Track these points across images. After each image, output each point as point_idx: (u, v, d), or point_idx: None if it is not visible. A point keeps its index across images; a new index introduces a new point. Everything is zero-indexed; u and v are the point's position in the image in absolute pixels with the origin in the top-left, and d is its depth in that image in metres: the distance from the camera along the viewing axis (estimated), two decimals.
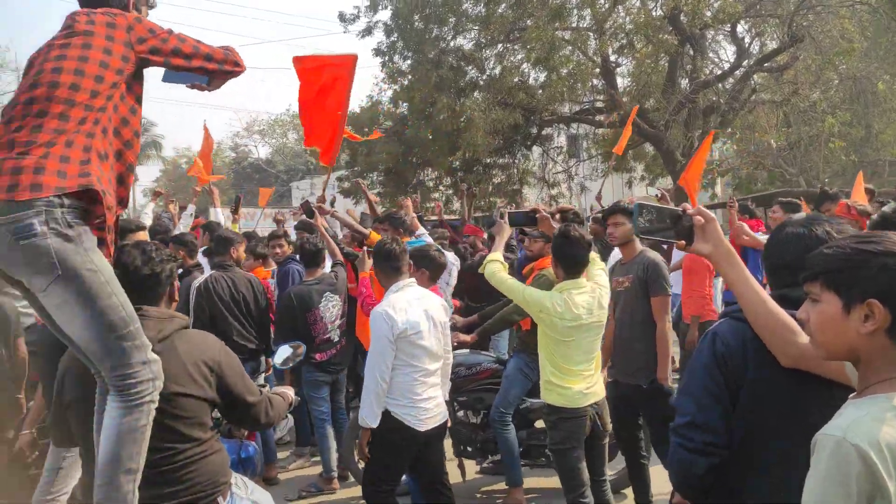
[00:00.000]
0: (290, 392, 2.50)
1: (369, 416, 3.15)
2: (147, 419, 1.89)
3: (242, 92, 60.98)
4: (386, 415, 3.17)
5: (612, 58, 14.42)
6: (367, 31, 15.41)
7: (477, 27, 14.33)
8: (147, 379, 1.88)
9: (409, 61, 15.21)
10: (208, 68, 2.20)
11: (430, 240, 5.55)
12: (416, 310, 3.27)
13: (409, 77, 14.89)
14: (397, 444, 3.21)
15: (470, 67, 14.89)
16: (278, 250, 5.47)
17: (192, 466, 2.05)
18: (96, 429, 2.03)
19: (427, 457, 3.32)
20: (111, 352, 1.84)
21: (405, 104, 15.38)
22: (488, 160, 15.45)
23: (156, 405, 1.91)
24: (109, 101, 1.96)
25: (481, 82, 14.94)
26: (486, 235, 7.43)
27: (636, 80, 13.34)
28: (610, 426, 3.40)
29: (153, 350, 1.94)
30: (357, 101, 18.37)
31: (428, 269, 3.92)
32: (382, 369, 3.14)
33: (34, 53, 2.00)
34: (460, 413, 4.52)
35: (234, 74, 2.28)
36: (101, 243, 1.93)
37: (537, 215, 3.59)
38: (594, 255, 3.43)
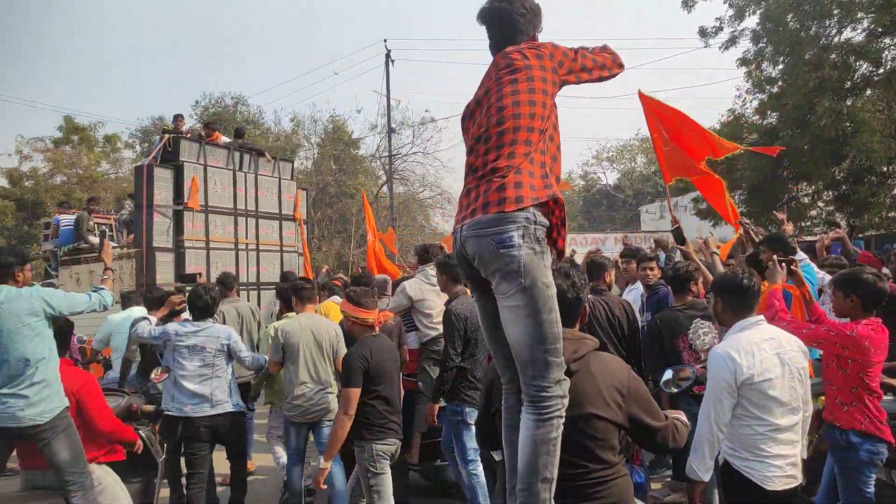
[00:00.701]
0: (683, 417, 2.39)
1: (699, 467, 2.75)
2: (556, 432, 2.00)
3: (593, 122, 62.90)
4: (726, 466, 2.79)
5: None
6: (731, 42, 14.42)
7: (872, 13, 12.14)
8: (558, 395, 2.00)
9: (780, 66, 13.69)
10: (603, 76, 2.37)
11: (812, 264, 4.87)
12: (767, 353, 2.78)
13: (780, 83, 13.38)
14: (740, 500, 2.77)
15: (860, 63, 12.68)
16: (649, 273, 5.41)
17: (600, 487, 2.08)
18: (505, 442, 2.23)
19: None
20: (536, 362, 2.00)
21: (774, 114, 13.84)
22: (885, 168, 12.86)
23: (563, 420, 2.00)
24: (548, 122, 2.21)
25: (876, 78, 12.58)
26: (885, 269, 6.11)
27: None
28: None
29: (569, 369, 2.07)
30: (716, 116, 17.24)
31: (861, 295, 3.27)
32: (719, 417, 2.75)
33: (479, 95, 2.32)
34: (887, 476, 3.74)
35: (617, 75, 2.41)
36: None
37: None
38: None
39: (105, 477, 3.64)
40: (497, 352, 2.22)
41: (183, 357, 4.24)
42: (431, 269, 5.36)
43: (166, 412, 4.26)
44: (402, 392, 4.75)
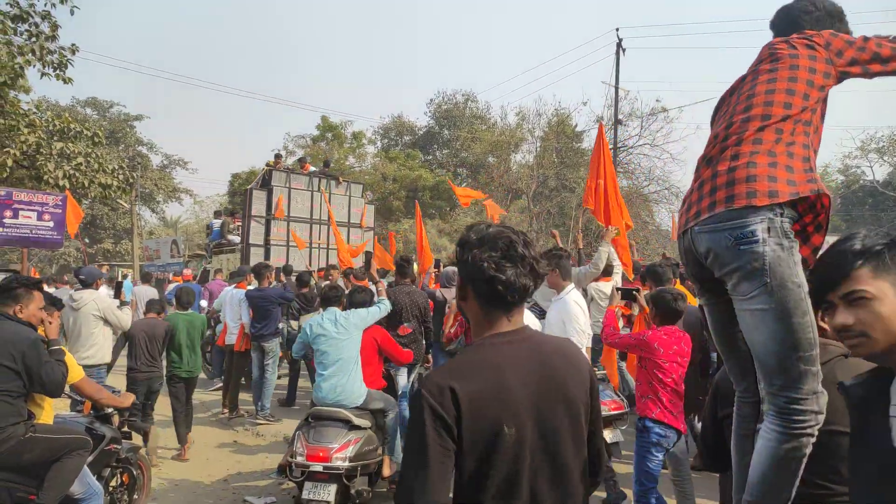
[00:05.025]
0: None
1: None
2: (804, 451, 1.76)
3: (858, 107, 54.31)
4: None
5: None
6: None
7: None
8: (813, 411, 1.75)
9: None
10: None
11: None
12: None
13: None
14: None
15: None
16: None
17: None
18: (735, 450, 2.02)
19: None
20: (786, 371, 1.77)
21: None
22: None
23: (814, 440, 1.76)
24: (814, 114, 1.96)
25: None
26: None
27: None
28: None
29: None
30: None
31: (660, 310, 4.12)
32: None
33: (733, 85, 2.15)
34: None
35: None
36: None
37: None
38: None
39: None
40: (730, 358, 2.03)
41: None
42: None
43: None
44: None
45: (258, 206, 13.97)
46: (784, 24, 2.20)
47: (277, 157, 15.71)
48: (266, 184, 14.52)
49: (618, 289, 4.57)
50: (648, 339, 3.98)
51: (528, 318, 4.82)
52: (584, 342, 4.55)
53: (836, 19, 2.16)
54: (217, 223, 16.03)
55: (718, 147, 1.97)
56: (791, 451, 1.75)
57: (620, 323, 5.34)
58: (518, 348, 1.57)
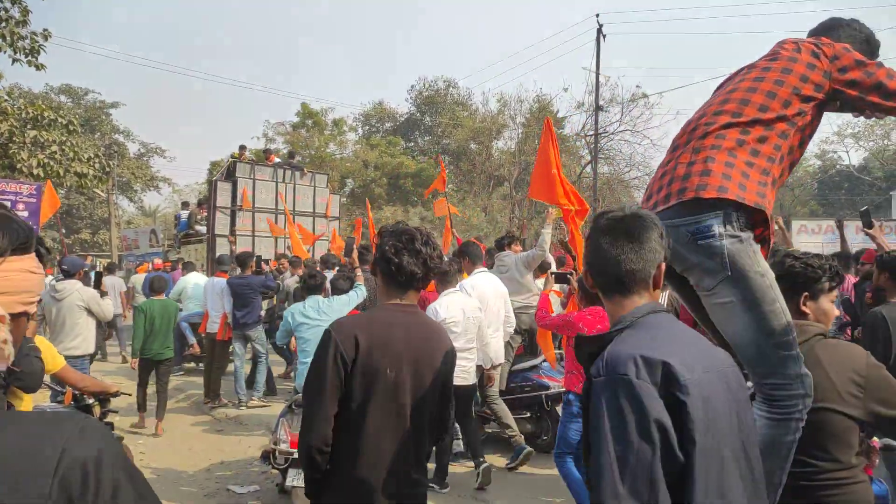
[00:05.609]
0: None
1: None
2: (794, 436, 1.78)
3: None
4: None
5: None
6: None
7: None
8: (799, 394, 1.78)
9: None
10: None
11: None
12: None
13: None
14: None
15: None
16: None
17: (832, 490, 1.86)
18: None
19: None
20: (766, 358, 1.79)
21: None
22: None
23: (803, 423, 1.79)
24: (791, 127, 1.90)
25: None
26: None
27: None
28: None
29: None
30: None
31: (581, 290, 4.34)
32: None
33: (732, 73, 2.08)
34: None
35: None
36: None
37: None
38: None
39: None
40: (721, 341, 2.03)
41: None
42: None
43: None
44: None
45: (223, 197, 14.21)
46: (822, 31, 2.10)
47: (242, 148, 15.80)
48: (231, 175, 14.70)
49: (552, 273, 4.84)
50: (574, 320, 4.27)
51: (491, 280, 5.47)
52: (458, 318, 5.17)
53: (870, 47, 2.06)
54: (185, 214, 16.31)
55: (686, 136, 1.96)
56: (781, 436, 1.78)
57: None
58: (405, 316, 2.13)
